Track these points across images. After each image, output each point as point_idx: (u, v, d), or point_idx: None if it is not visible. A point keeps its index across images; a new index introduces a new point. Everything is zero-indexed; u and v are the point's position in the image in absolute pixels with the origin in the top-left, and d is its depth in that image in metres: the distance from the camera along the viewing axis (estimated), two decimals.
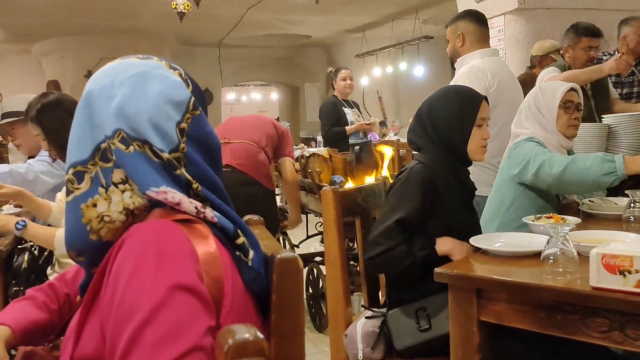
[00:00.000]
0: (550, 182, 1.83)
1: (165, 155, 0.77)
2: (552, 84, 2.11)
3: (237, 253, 0.77)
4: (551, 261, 1.26)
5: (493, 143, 1.96)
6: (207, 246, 0.72)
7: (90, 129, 0.78)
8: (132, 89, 0.79)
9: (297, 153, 3.62)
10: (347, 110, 4.49)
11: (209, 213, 0.76)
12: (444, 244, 1.61)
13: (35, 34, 8.68)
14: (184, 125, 0.81)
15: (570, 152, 2.10)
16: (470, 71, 2.53)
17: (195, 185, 0.78)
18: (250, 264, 0.77)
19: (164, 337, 0.62)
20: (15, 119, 2.57)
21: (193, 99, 0.83)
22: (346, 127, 4.36)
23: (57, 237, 1.74)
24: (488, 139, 1.75)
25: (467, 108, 1.71)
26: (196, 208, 0.75)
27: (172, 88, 0.81)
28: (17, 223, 1.74)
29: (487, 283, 1.32)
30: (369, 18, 8.78)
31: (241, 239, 0.78)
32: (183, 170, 0.78)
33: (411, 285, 1.64)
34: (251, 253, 0.78)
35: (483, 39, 2.67)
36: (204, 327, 0.65)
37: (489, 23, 4.02)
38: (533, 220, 1.69)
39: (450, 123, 1.69)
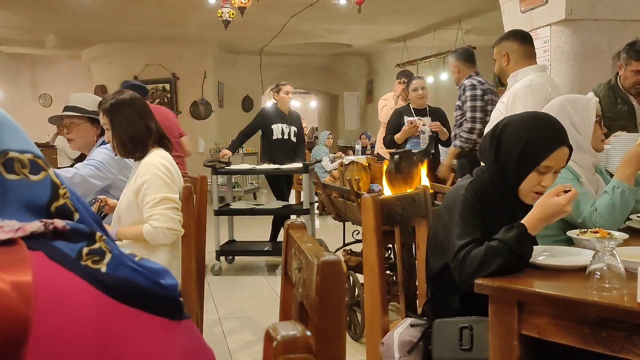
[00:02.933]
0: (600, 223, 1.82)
1: (28, 156, 0.65)
2: (579, 98, 2.05)
3: (83, 263, 0.65)
4: (597, 276, 1.23)
5: None
6: (17, 274, 0.58)
7: None
8: None
9: (335, 164, 3.65)
10: (412, 119, 4.47)
11: (59, 223, 0.65)
12: (539, 226, 1.44)
13: (85, 40, 9.00)
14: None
15: (597, 168, 2.07)
16: (530, 84, 2.59)
17: (62, 191, 0.67)
18: (104, 269, 0.65)
19: None
20: (79, 114, 2.66)
21: None
22: (396, 135, 4.36)
23: (145, 232, 2.06)
24: (547, 187, 1.55)
25: (535, 148, 1.53)
26: (41, 221, 0.64)
27: None
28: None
29: (529, 296, 1.30)
30: (411, 28, 8.76)
31: (98, 244, 0.67)
32: (51, 171, 0.67)
33: (450, 297, 1.62)
34: (108, 257, 0.67)
35: (528, 57, 2.78)
36: None
37: (534, 34, 3.99)
38: (578, 235, 1.66)
39: (509, 154, 1.55)
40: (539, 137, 1.54)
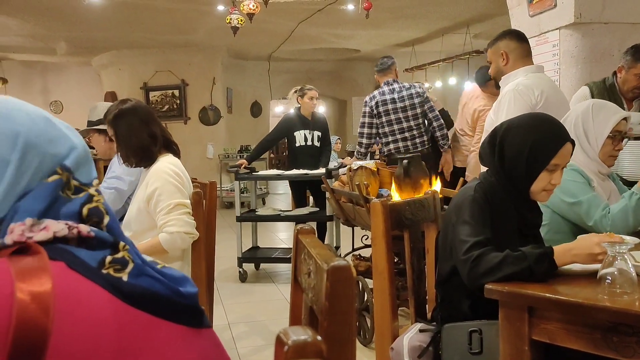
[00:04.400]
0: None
1: (78, 184, 0.71)
2: (606, 108, 2.00)
3: (105, 271, 0.65)
4: (608, 281, 1.22)
5: None
6: (37, 284, 0.58)
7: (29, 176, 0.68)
8: (44, 122, 0.73)
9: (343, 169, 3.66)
10: None
11: (84, 228, 0.66)
12: (565, 257, 1.40)
13: (96, 47, 9.08)
14: None
15: (610, 176, 2.05)
16: (515, 89, 2.52)
17: (96, 198, 0.71)
18: (125, 278, 0.66)
19: None
20: (90, 128, 2.78)
21: None
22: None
23: (162, 241, 2.02)
24: (557, 184, 1.57)
25: (542, 149, 1.54)
26: (66, 224, 0.66)
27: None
28: None
29: (540, 301, 1.30)
30: (419, 32, 8.76)
31: (121, 254, 0.68)
32: (92, 189, 0.72)
33: (459, 302, 1.61)
34: (130, 266, 0.68)
35: (526, 55, 2.70)
36: None
37: (543, 38, 3.98)
38: None
39: (517, 159, 1.55)
40: (545, 137, 1.56)
